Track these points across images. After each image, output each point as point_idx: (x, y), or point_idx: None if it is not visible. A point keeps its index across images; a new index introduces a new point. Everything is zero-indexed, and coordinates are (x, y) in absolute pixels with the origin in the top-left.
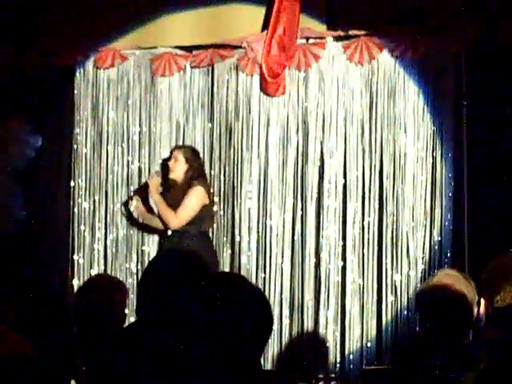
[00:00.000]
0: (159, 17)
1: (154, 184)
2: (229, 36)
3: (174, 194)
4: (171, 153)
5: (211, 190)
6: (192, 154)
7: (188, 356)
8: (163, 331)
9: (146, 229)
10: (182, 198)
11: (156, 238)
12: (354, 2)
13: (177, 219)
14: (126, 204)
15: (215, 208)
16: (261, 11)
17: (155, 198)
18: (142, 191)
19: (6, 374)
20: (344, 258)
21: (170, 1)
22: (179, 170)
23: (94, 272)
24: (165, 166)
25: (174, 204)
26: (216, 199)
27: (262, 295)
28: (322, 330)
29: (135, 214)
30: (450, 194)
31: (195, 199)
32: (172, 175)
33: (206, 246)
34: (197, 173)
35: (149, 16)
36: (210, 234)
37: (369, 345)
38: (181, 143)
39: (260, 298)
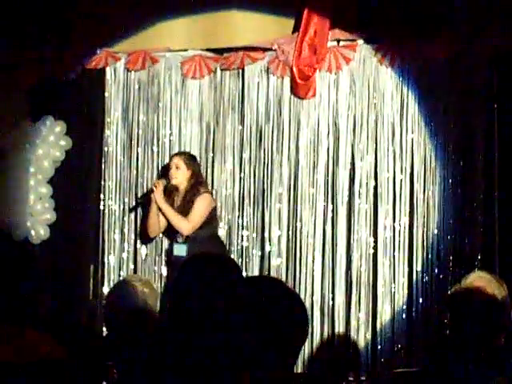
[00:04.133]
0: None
1: (159, 192)
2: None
3: (181, 201)
4: (170, 160)
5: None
6: (191, 160)
7: (221, 359)
8: (196, 334)
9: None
10: (189, 205)
11: None
12: (385, 6)
13: (190, 225)
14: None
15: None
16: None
17: (163, 207)
18: (147, 197)
19: (38, 377)
20: (375, 261)
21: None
22: (181, 176)
23: (123, 274)
24: (165, 174)
25: (181, 210)
26: (246, 201)
27: (299, 299)
28: (353, 333)
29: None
30: (481, 196)
31: (205, 205)
32: (174, 182)
33: (217, 249)
34: (200, 177)
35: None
36: (239, 237)
37: (399, 347)
38: (211, 146)
39: (297, 301)
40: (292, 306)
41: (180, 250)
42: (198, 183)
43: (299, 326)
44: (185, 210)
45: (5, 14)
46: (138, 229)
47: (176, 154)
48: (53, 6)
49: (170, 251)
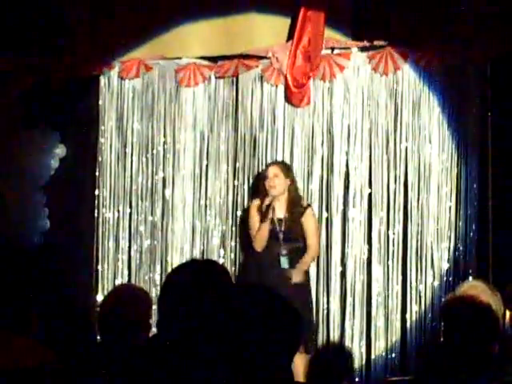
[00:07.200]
0: (176, 27)
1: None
2: (246, 46)
3: (287, 214)
4: (266, 170)
5: None
6: (289, 168)
7: (214, 368)
8: (188, 343)
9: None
10: (297, 221)
11: (179, 247)
12: (380, 14)
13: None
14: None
15: None
16: (277, 20)
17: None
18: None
19: None
20: (369, 269)
21: (187, 11)
22: (281, 186)
23: (118, 282)
24: (261, 186)
25: (288, 225)
26: (240, 209)
27: (293, 308)
28: (347, 341)
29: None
30: (475, 205)
31: (316, 221)
32: (274, 192)
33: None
34: (296, 185)
35: (165, 26)
36: (233, 244)
37: (393, 355)
38: (205, 154)
39: (291, 309)
40: (286, 314)
41: (285, 262)
42: (298, 194)
43: (293, 333)
44: (293, 225)
45: None
46: (133, 237)
47: (272, 163)
48: (47, 13)
49: (261, 260)
